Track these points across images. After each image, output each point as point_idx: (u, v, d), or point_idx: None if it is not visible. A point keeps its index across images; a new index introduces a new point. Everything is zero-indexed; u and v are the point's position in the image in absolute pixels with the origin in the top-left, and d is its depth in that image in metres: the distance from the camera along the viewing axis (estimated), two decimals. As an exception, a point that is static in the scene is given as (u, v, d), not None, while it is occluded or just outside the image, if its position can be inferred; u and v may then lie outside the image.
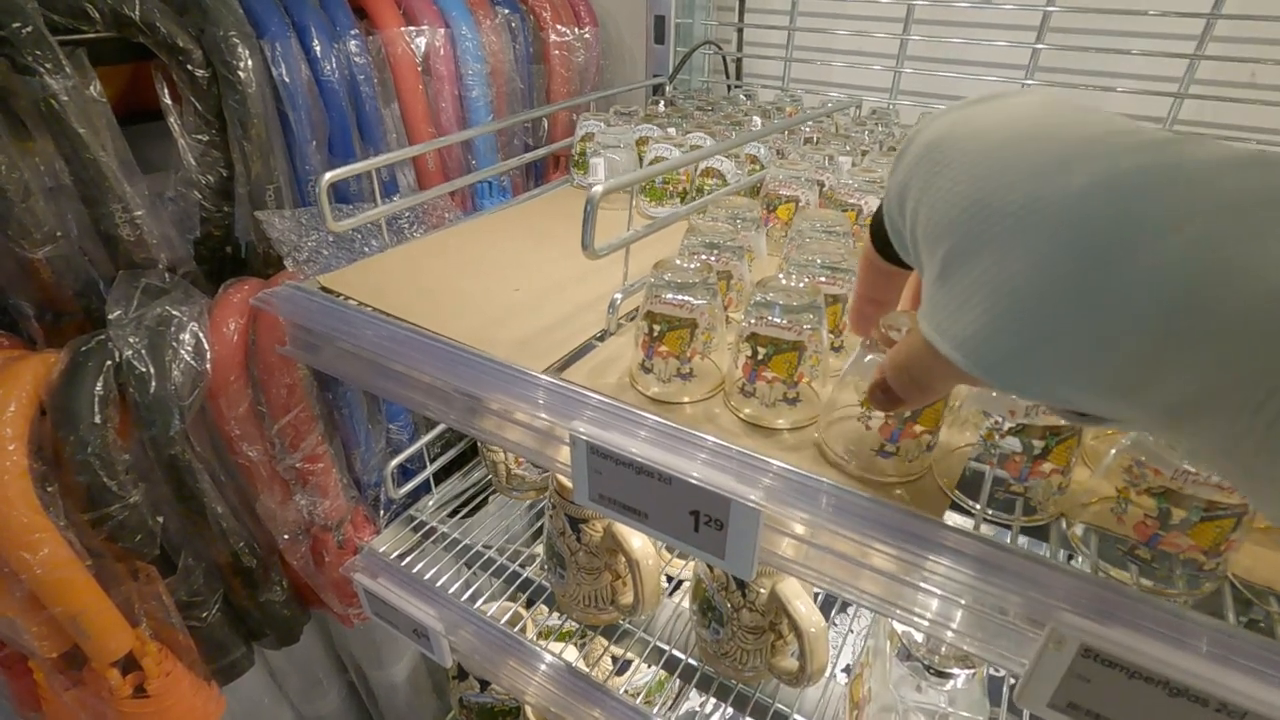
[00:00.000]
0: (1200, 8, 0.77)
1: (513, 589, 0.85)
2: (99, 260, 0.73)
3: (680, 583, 0.90)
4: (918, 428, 0.40)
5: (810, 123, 0.87)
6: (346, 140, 0.84)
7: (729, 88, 1.13)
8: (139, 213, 0.71)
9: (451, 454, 1.01)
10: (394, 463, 0.89)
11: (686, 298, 0.47)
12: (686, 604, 0.77)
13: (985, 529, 0.40)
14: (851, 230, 0.57)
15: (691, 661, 0.74)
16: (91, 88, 0.65)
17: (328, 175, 0.63)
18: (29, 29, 0.62)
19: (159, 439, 0.67)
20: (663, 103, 1.01)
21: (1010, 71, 0.92)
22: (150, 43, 0.71)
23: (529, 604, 0.89)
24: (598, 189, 0.49)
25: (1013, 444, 0.38)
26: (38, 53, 0.62)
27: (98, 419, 0.62)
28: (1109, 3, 0.83)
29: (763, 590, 0.62)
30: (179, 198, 0.80)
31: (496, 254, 0.73)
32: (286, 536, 0.82)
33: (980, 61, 0.94)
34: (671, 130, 0.88)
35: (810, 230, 0.55)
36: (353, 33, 0.83)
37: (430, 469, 0.95)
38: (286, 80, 0.76)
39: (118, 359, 0.65)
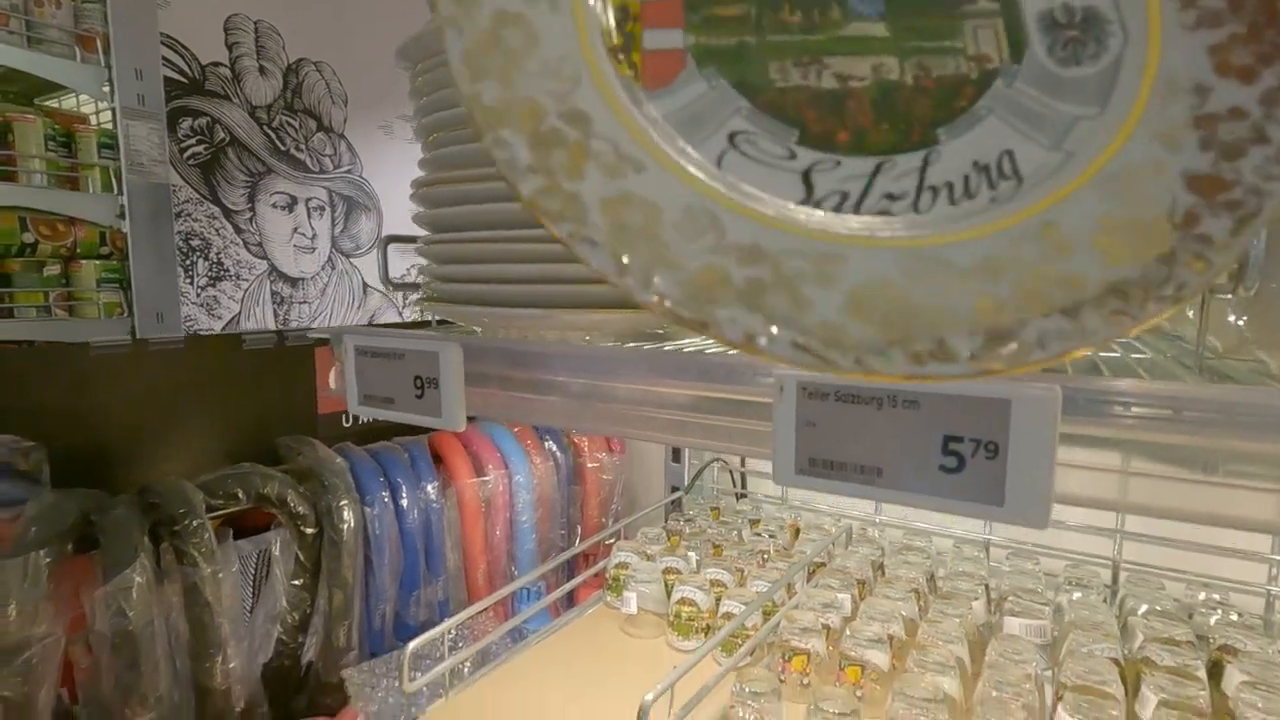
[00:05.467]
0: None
1: None
2: (184, 710, 0.81)
3: None
4: None
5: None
6: (414, 575, 0.98)
7: (736, 496, 1.33)
8: (234, 664, 0.81)
9: None
10: None
11: None
12: None
13: None
14: (855, 707, 0.66)
15: None
16: (232, 568, 0.81)
17: (411, 646, 0.74)
18: (197, 522, 0.79)
19: None
20: (683, 519, 1.18)
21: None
22: (278, 511, 0.88)
23: None
24: (649, 697, 0.60)
25: None
26: (195, 540, 0.78)
27: None
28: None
29: None
30: (262, 631, 0.91)
31: (545, 704, 0.80)
32: None
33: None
34: (691, 555, 1.03)
35: None
36: (433, 482, 1.02)
37: None
38: (378, 534, 0.92)
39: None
